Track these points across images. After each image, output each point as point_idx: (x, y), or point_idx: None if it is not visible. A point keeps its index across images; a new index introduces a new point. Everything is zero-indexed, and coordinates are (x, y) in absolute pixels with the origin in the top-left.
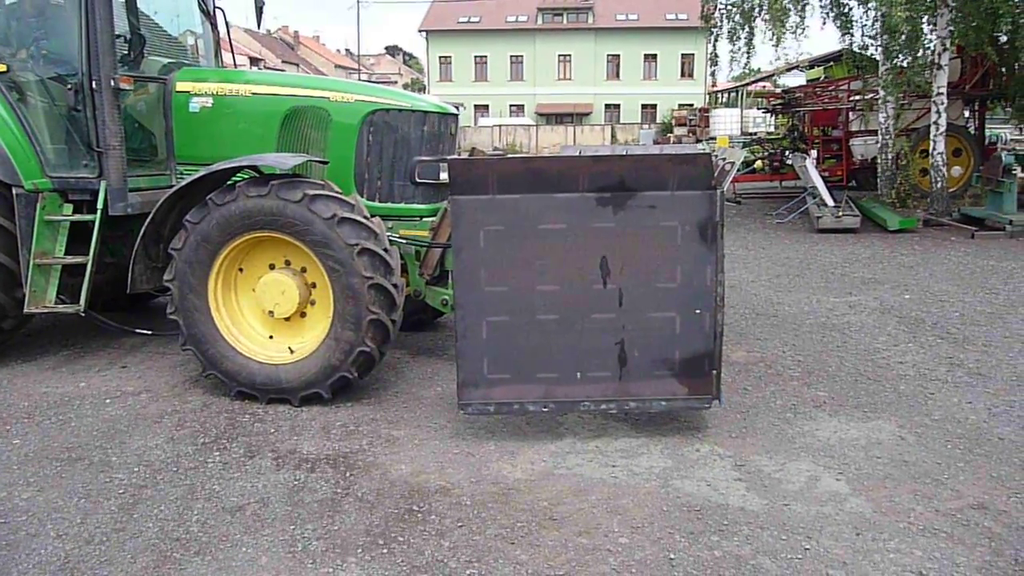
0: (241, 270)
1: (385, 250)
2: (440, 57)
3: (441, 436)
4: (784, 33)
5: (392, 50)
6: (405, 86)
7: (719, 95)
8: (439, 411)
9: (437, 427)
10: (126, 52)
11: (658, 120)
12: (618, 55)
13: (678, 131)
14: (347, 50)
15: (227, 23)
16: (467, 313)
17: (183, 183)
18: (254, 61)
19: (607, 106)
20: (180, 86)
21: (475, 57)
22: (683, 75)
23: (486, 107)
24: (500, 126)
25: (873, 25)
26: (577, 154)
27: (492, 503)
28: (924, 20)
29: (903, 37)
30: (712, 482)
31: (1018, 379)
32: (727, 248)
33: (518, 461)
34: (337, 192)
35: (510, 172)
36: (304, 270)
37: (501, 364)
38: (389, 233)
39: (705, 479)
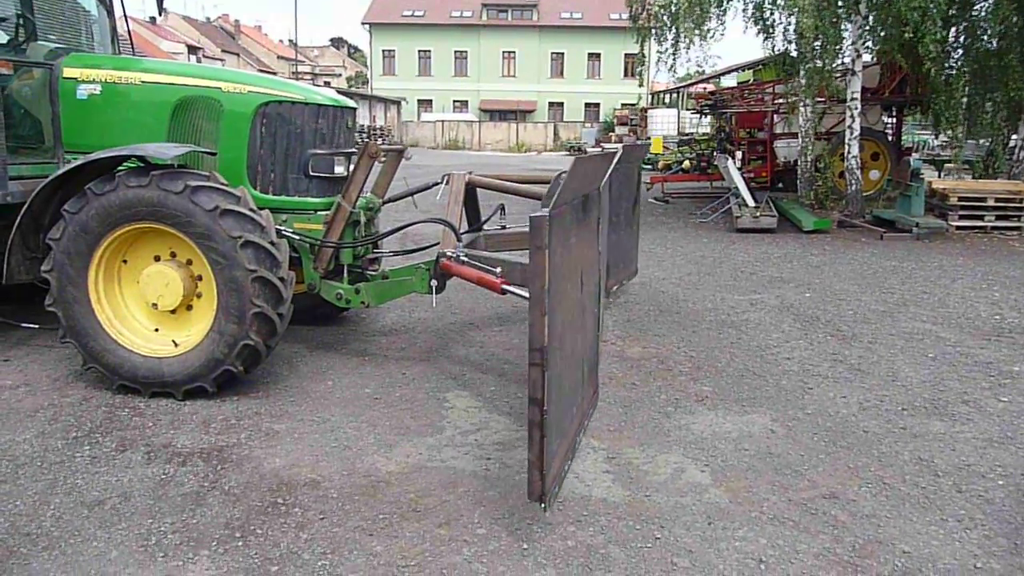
0: (125, 262)
1: (271, 243)
2: (384, 50)
3: (322, 430)
4: (706, 36)
5: (337, 42)
6: (349, 79)
7: (662, 96)
8: (325, 405)
9: (320, 421)
10: (12, 36)
11: (601, 119)
12: (562, 53)
13: (620, 130)
14: (291, 41)
15: (124, 10)
16: (555, 385)
17: (60, 171)
18: (192, 50)
19: (551, 104)
20: (68, 72)
21: (419, 51)
22: (626, 74)
23: (430, 102)
24: (443, 121)
25: (791, 30)
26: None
27: (359, 496)
28: (843, 27)
29: (817, 43)
30: (581, 474)
31: (894, 375)
32: (647, 246)
33: (394, 454)
34: (222, 184)
35: (583, 174)
36: (190, 262)
37: (555, 431)
38: (282, 226)
39: (575, 471)
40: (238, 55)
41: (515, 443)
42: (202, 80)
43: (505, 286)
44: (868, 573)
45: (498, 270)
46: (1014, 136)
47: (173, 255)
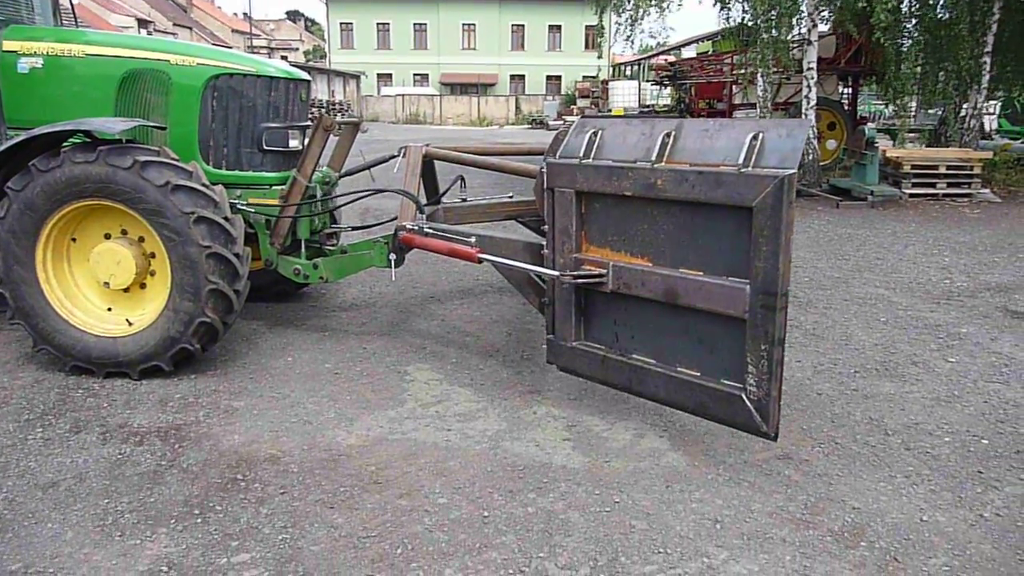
0: (74, 240)
1: (225, 218)
2: (341, 23)
3: (282, 406)
4: (664, 6)
5: (293, 15)
6: (306, 53)
7: (623, 68)
8: (285, 381)
9: (280, 397)
10: None
11: (562, 92)
12: (523, 25)
13: (581, 103)
14: (245, 14)
15: None
16: None
17: (2, 147)
18: (142, 23)
19: (512, 77)
20: (7, 45)
21: (377, 24)
22: (587, 47)
23: (389, 76)
24: (403, 95)
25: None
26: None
27: (319, 470)
28: None
29: (772, 13)
30: (541, 443)
31: (847, 339)
32: None
33: (354, 428)
34: (173, 159)
35: None
36: (142, 240)
37: None
38: (237, 201)
39: (535, 440)
40: (191, 29)
41: (476, 414)
42: (149, 52)
43: (482, 255)
44: (819, 529)
45: (472, 239)
46: (964, 105)
47: (124, 232)
